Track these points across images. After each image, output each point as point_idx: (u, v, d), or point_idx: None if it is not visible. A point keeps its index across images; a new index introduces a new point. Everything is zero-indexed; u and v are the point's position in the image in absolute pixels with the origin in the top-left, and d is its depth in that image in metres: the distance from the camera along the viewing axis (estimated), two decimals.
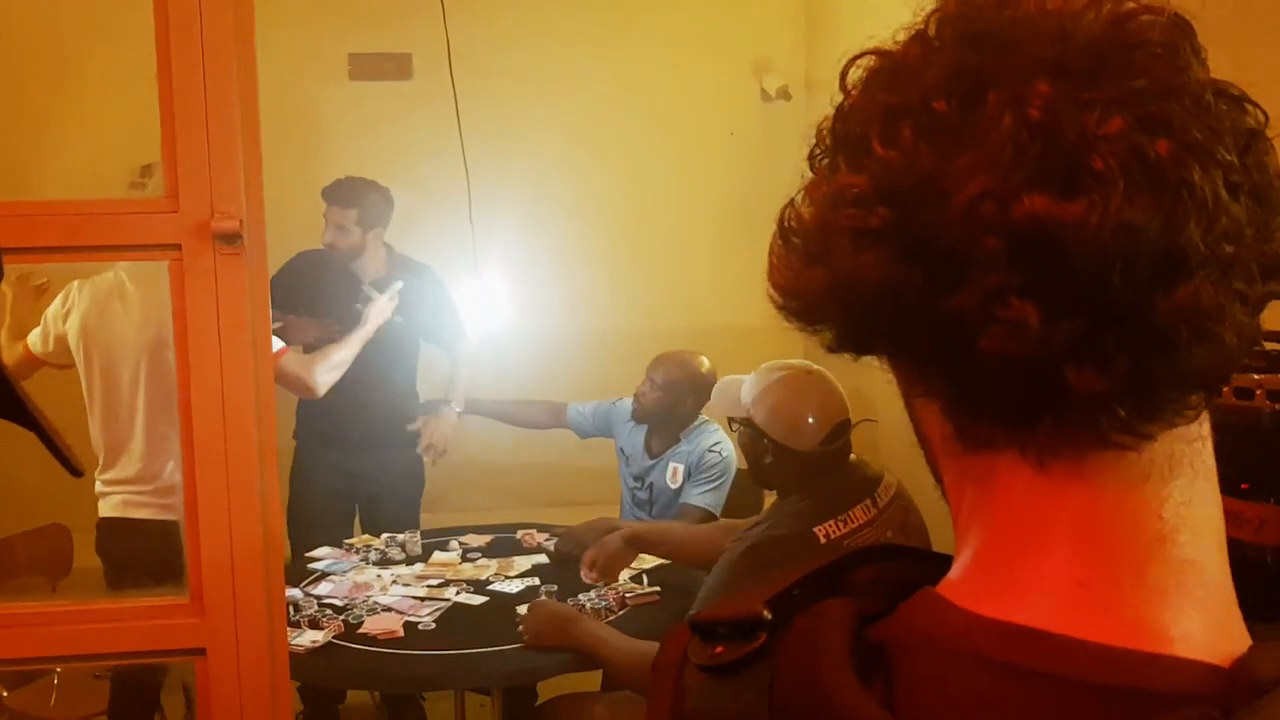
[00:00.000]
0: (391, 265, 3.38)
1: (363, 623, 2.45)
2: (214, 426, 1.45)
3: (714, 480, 3.04)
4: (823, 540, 2.10)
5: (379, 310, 3.11)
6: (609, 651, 2.21)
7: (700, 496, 3.07)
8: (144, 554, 2.51)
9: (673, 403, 3.08)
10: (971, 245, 0.48)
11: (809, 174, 0.57)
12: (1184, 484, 0.52)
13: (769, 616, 0.55)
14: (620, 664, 2.19)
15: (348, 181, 3.38)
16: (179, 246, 1.43)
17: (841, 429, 2.17)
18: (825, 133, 0.56)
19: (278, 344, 2.71)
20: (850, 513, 2.13)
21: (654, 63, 4.57)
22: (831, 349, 0.57)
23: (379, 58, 4.57)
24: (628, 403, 3.28)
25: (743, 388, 2.21)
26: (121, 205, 1.59)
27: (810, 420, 2.15)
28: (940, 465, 0.58)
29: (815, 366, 2.21)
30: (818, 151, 0.57)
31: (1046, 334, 0.48)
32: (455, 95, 3.59)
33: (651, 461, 3.21)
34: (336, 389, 3.07)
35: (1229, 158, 0.49)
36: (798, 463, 2.17)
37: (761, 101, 4.61)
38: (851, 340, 0.56)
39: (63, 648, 1.48)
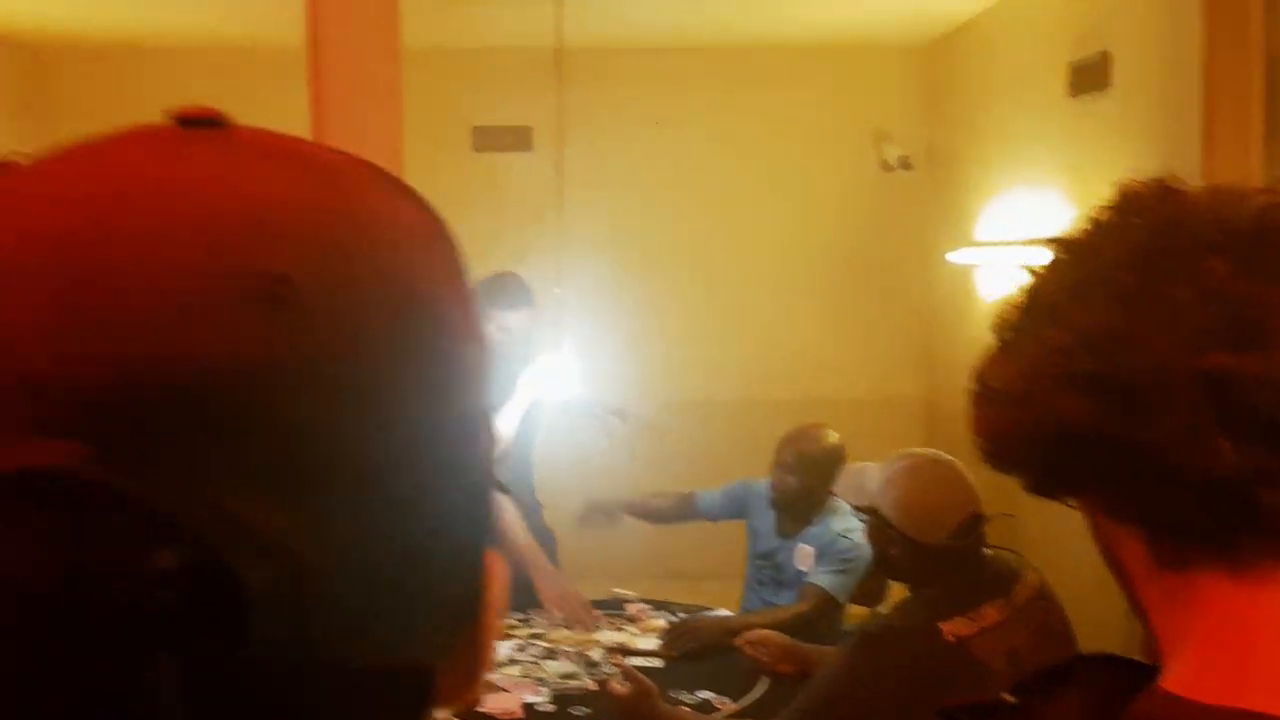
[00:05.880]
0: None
1: (480, 700, 2.44)
2: None
3: (842, 565, 2.96)
4: (949, 638, 2.01)
5: None
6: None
7: (823, 577, 3.00)
8: None
9: (808, 482, 3.02)
10: (1167, 389, 0.58)
11: (992, 342, 0.68)
12: None
13: (1012, 700, 0.64)
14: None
15: (511, 280, 3.13)
16: None
17: (973, 522, 2.09)
18: (1014, 308, 0.67)
19: None
20: (981, 610, 2.04)
21: (772, 130, 4.58)
22: (1031, 489, 0.65)
23: (501, 130, 4.69)
24: (760, 482, 3.23)
25: (869, 476, 2.15)
26: None
27: (939, 512, 2.07)
28: (1139, 590, 0.65)
29: (945, 456, 2.13)
30: (1003, 325, 0.67)
31: (1238, 460, 0.57)
32: (562, 164, 3.63)
33: (780, 541, 3.15)
34: None
35: None
36: (926, 556, 2.09)
37: (881, 171, 4.57)
38: (1053, 477, 0.64)
39: None
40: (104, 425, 0.28)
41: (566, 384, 3.19)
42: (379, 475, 0.32)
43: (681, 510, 3.37)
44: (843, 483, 2.27)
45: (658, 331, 4.28)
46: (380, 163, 1.38)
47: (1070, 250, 0.65)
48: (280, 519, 0.30)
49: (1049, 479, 0.64)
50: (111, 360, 0.29)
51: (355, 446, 0.31)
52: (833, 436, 3.08)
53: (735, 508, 3.31)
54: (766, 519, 3.19)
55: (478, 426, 0.36)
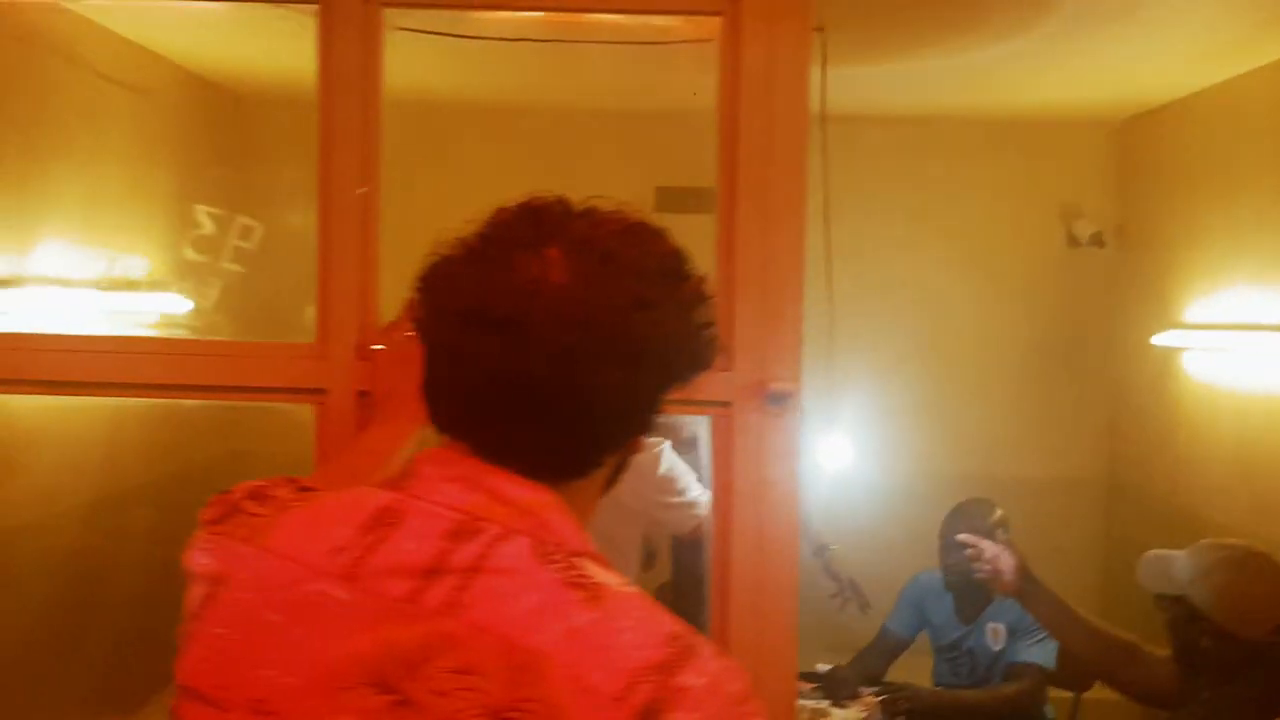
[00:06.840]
0: None
1: None
2: (749, 579, 1.47)
3: (1044, 634, 2.89)
4: None
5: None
6: (1076, 615, 2.19)
7: (1029, 650, 2.94)
8: None
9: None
10: None
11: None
12: None
13: None
14: (1089, 633, 2.19)
15: None
16: (729, 404, 1.47)
17: None
18: None
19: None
20: None
21: (959, 204, 4.56)
22: None
23: (684, 191, 4.74)
24: (925, 574, 3.19)
25: (1177, 564, 2.10)
26: None
27: (1263, 607, 2.01)
28: None
29: (1260, 548, 2.08)
30: None
31: None
32: (828, 234, 3.64)
33: (967, 628, 3.09)
34: None
35: None
36: (1240, 651, 2.02)
37: (1068, 247, 4.52)
38: None
39: None
40: None
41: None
42: None
43: (888, 651, 3.27)
44: (1145, 569, 2.21)
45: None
46: (785, 225, 1.37)
47: None
48: None
49: None
50: None
51: None
52: (997, 512, 3.04)
53: (917, 615, 3.24)
54: (943, 608, 3.13)
55: None
